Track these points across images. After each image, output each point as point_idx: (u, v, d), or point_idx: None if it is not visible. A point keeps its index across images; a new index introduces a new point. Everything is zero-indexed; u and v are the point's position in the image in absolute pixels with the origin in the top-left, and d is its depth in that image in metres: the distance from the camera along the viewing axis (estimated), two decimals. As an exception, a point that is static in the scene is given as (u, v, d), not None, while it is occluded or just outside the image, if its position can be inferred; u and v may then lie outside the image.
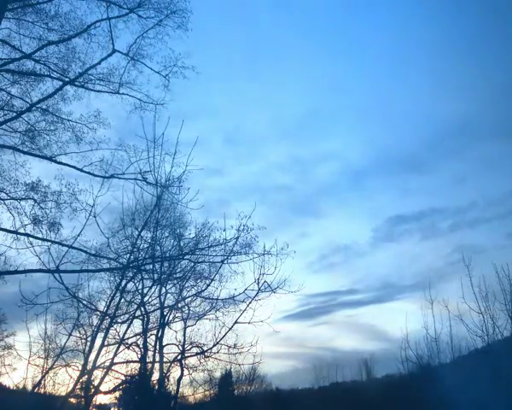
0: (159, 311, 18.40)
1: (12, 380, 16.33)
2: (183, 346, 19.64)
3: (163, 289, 17.90)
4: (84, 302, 15.23)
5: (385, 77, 63.01)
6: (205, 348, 18.79)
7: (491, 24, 60.68)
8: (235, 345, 18.42)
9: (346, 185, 65.24)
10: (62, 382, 16.11)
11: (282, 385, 41.54)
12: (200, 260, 15.82)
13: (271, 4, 58.78)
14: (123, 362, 17.48)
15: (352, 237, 75.71)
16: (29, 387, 16.36)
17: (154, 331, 18.92)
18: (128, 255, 14.73)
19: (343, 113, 67.11)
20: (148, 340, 18.44)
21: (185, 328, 19.84)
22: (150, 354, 18.69)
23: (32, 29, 14.13)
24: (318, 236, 67.58)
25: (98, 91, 14.93)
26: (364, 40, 65.34)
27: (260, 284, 16.55)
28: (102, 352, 15.41)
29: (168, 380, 19.55)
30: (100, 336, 15.28)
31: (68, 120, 14.93)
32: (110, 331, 15.74)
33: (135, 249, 14.81)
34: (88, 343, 15.64)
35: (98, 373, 15.98)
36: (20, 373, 16.25)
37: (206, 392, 23.70)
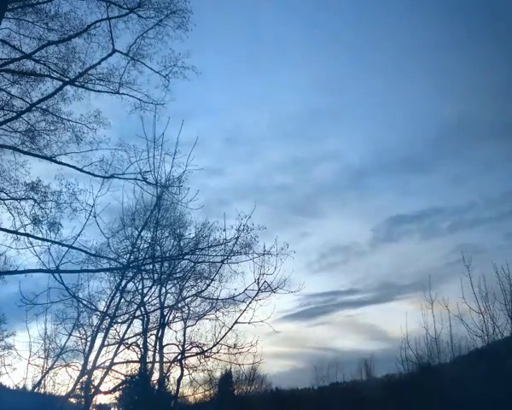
0: (159, 311, 18.44)
1: (12, 380, 16.36)
2: (183, 346, 19.68)
3: (163, 289, 17.94)
4: (84, 302, 15.26)
5: (385, 77, 62.94)
6: (205, 348, 18.83)
7: (491, 24, 60.69)
8: (235, 345, 18.45)
9: (346, 185, 65.21)
10: (62, 382, 16.16)
11: (282, 385, 41.54)
12: (200, 260, 15.83)
13: (272, 4, 58.77)
14: (123, 362, 17.52)
15: (351, 237, 75.81)
16: (29, 387, 16.39)
17: (154, 331, 18.96)
18: (128, 255, 14.73)
19: (343, 113, 67.09)
20: (148, 340, 18.48)
21: (185, 328, 19.89)
22: (150, 354, 18.73)
23: (31, 29, 14.13)
24: (318, 236, 67.53)
25: (98, 91, 14.92)
26: (365, 40, 65.32)
27: (260, 284, 16.59)
28: (102, 352, 15.46)
29: (168, 380, 19.59)
30: (100, 336, 15.30)
31: (68, 120, 14.94)
32: (110, 331, 15.78)
33: (135, 249, 14.80)
34: (88, 343, 15.66)
35: (98, 373, 16.02)
36: (20, 373, 16.28)
37: (206, 392, 23.75)
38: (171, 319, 19.50)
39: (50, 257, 13.11)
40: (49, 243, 13.42)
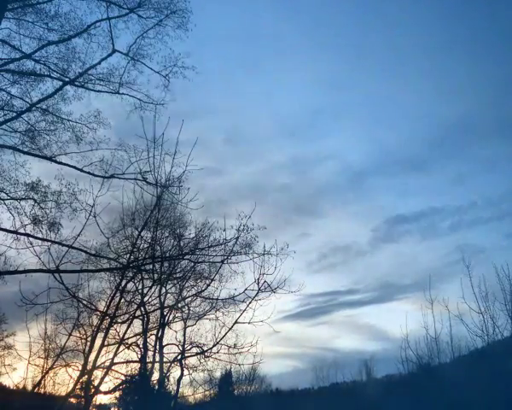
0: (159, 311, 18.43)
1: (12, 380, 16.33)
2: (183, 346, 19.68)
3: (163, 289, 17.94)
4: (84, 302, 15.23)
5: (385, 77, 62.98)
6: (205, 348, 18.81)
7: (490, 24, 60.68)
8: (235, 345, 18.41)
9: (346, 185, 65.21)
10: (62, 382, 16.17)
11: (282, 385, 41.60)
12: (200, 260, 15.79)
13: (272, 3, 58.76)
14: (123, 362, 17.50)
15: (351, 237, 75.90)
16: (29, 387, 16.36)
17: (154, 331, 18.96)
18: (128, 255, 14.69)
19: (343, 113, 67.17)
20: (148, 340, 18.48)
21: (185, 328, 19.89)
22: (150, 354, 18.74)
23: (32, 29, 14.14)
24: (318, 236, 67.51)
25: (98, 91, 14.93)
26: (365, 40, 65.30)
27: (260, 284, 16.52)
28: (102, 352, 15.40)
29: (168, 380, 19.60)
30: (100, 336, 15.25)
31: (68, 120, 14.94)
32: (110, 331, 15.73)
33: (135, 249, 14.77)
34: (88, 343, 15.63)
35: (98, 373, 16.00)
36: (20, 373, 16.25)
37: (206, 392, 23.75)
38: (171, 319, 19.52)
39: (50, 257, 13.07)
40: (49, 243, 13.40)
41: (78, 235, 13.22)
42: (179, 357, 19.51)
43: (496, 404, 18.89)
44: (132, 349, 17.74)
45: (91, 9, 14.47)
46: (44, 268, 12.95)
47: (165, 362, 19.23)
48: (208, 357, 18.79)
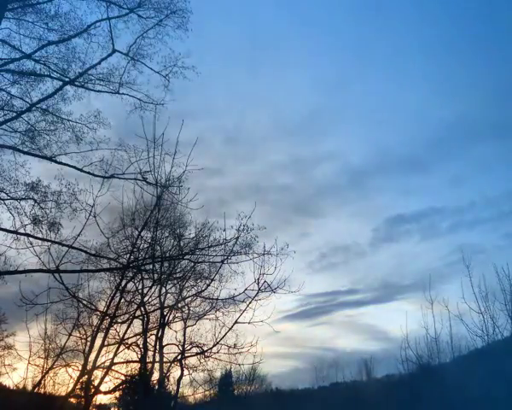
0: (159, 311, 18.39)
1: (12, 380, 16.32)
2: (183, 346, 19.63)
3: (163, 289, 17.89)
4: (84, 302, 15.22)
5: (385, 77, 63.01)
6: (205, 348, 18.75)
7: (490, 24, 60.70)
8: (235, 345, 18.37)
9: (346, 185, 65.22)
10: (62, 382, 16.12)
11: (282, 385, 41.60)
12: (200, 260, 15.81)
13: (272, 3, 58.79)
14: (123, 362, 17.46)
15: (352, 237, 75.78)
16: (29, 387, 16.34)
17: (154, 331, 18.92)
18: (128, 255, 14.71)
19: (343, 112, 67.13)
20: (148, 340, 18.44)
21: (185, 328, 19.83)
22: (150, 354, 18.69)
23: (32, 29, 14.16)
24: (318, 236, 67.68)
25: (98, 91, 14.94)
26: (365, 40, 65.32)
27: (260, 284, 16.49)
28: (102, 352, 15.39)
29: (168, 380, 19.57)
30: (100, 336, 15.26)
31: (68, 120, 14.95)
32: (110, 331, 15.72)
33: (135, 249, 14.79)
34: (88, 343, 15.62)
35: (98, 373, 15.98)
36: (20, 373, 16.23)
37: (206, 392, 23.66)
38: (171, 319, 19.47)
39: (50, 257, 13.12)
40: (49, 243, 13.43)
41: (78, 235, 13.26)
42: (179, 357, 19.47)
43: (496, 404, 18.89)
44: (132, 349, 17.71)
45: (91, 9, 14.53)
46: (44, 268, 12.98)
47: (165, 362, 19.19)
48: (208, 357, 18.75)
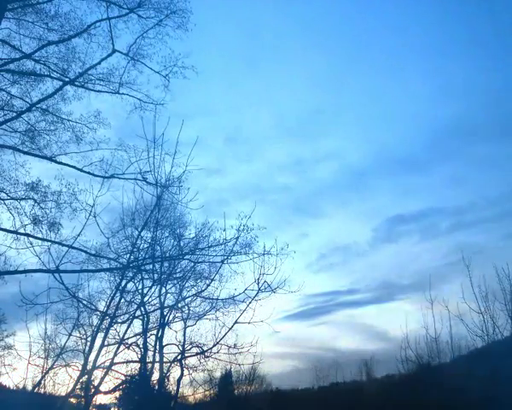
0: (159, 311, 18.40)
1: (12, 380, 16.32)
2: (183, 346, 19.64)
3: (163, 289, 17.90)
4: (84, 302, 15.22)
5: (385, 77, 63.05)
6: (205, 348, 18.76)
7: (489, 25, 60.69)
8: (235, 345, 18.38)
9: (346, 185, 65.42)
10: (62, 382, 16.10)
11: (282, 385, 41.64)
12: (200, 260, 15.80)
13: (272, 3, 58.80)
14: (123, 362, 17.47)
15: (351, 237, 75.99)
16: (29, 387, 16.36)
17: (154, 331, 18.93)
18: (128, 255, 14.72)
19: (343, 112, 67.28)
20: (148, 340, 18.45)
21: (185, 328, 19.83)
22: (150, 354, 18.70)
23: (32, 29, 14.13)
24: (318, 236, 67.76)
25: (98, 91, 14.91)
26: (365, 40, 65.35)
27: (260, 284, 16.50)
28: (102, 352, 15.40)
29: (168, 380, 19.55)
30: (100, 336, 15.26)
31: (68, 120, 14.94)
32: (110, 331, 15.72)
33: (135, 249, 14.80)
34: (88, 343, 15.63)
35: (98, 373, 15.98)
36: (20, 373, 16.22)
37: (206, 392, 23.71)
38: (171, 319, 19.48)
39: (50, 257, 13.11)
40: (49, 243, 13.43)
41: (78, 235, 13.26)
42: (179, 357, 19.48)
43: (496, 404, 18.87)
44: (132, 349, 17.72)
45: (91, 9, 14.46)
46: (44, 268, 12.97)
47: (165, 362, 19.20)
48: (208, 357, 18.76)
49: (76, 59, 14.49)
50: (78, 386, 15.05)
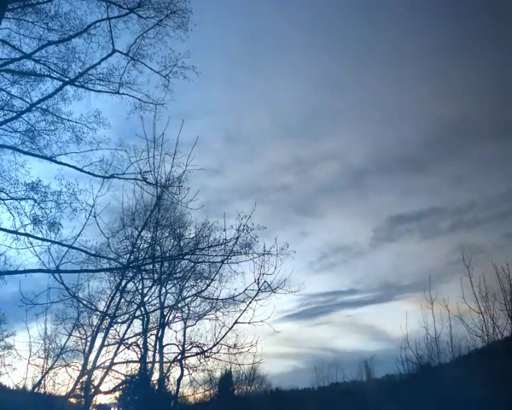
0: (159, 311, 18.44)
1: (12, 380, 16.35)
2: (183, 346, 19.68)
3: (163, 289, 17.95)
4: (84, 302, 15.26)
5: (385, 77, 62.91)
6: (205, 348, 18.81)
7: (489, 24, 60.62)
8: (235, 345, 18.42)
9: (346, 185, 65.26)
10: (62, 382, 16.15)
11: (282, 385, 41.58)
12: (200, 260, 15.79)
13: (272, 3, 58.72)
14: (123, 362, 17.52)
15: (352, 237, 75.84)
16: (29, 387, 16.38)
17: (154, 331, 18.97)
18: (128, 255, 14.73)
19: (343, 112, 67.02)
20: (148, 340, 18.49)
21: (185, 328, 19.89)
22: (150, 354, 18.74)
23: (32, 29, 14.12)
24: (318, 236, 67.63)
25: (98, 91, 14.91)
26: (365, 40, 65.24)
27: (260, 284, 16.53)
28: (102, 352, 15.45)
29: (168, 380, 19.59)
30: (100, 336, 15.29)
31: (68, 120, 14.93)
32: (110, 331, 15.77)
33: (135, 249, 14.80)
34: (88, 343, 15.66)
35: (98, 373, 16.01)
36: (20, 373, 16.27)
37: (206, 392, 23.75)
38: (171, 319, 19.53)
39: (50, 257, 13.11)
40: (49, 243, 13.41)
41: (78, 235, 13.24)
42: (179, 357, 19.51)
43: (495, 404, 18.88)
44: (132, 349, 17.77)
45: (91, 9, 14.44)
46: (44, 268, 12.96)
47: (165, 362, 19.25)
48: (208, 357, 18.80)
49: (76, 59, 14.49)
50: (78, 386, 15.08)
